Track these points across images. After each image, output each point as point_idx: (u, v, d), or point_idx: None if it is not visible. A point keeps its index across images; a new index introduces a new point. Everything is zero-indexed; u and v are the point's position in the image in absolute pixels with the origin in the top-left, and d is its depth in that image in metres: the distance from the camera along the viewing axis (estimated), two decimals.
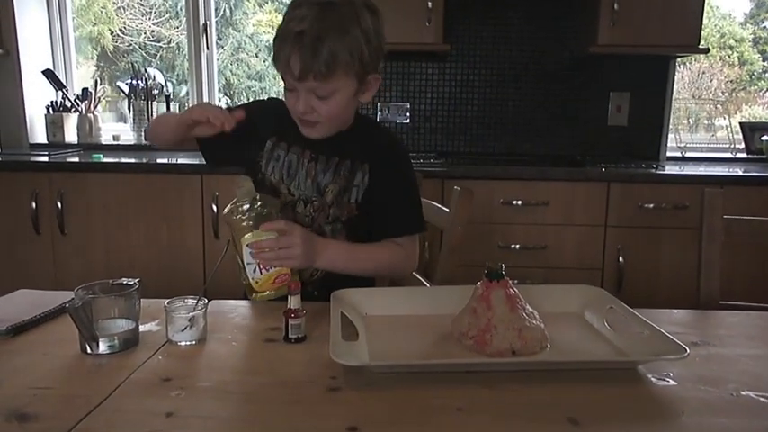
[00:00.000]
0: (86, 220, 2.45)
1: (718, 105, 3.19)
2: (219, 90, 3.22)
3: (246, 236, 1.02)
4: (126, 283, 0.93)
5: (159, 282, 2.39)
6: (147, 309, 0.99)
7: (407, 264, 1.25)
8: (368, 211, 1.24)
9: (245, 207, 1.03)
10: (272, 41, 1.13)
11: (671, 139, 2.94)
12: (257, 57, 3.46)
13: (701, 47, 2.51)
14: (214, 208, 2.38)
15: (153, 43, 3.32)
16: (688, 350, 0.80)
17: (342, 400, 0.75)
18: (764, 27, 3.23)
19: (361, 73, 1.12)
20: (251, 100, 1.35)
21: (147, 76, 3.03)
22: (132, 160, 2.55)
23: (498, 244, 2.37)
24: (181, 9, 3.20)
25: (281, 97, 1.23)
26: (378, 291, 1.09)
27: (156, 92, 3.03)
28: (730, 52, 3.26)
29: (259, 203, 1.04)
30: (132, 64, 3.19)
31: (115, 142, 3.10)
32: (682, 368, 0.84)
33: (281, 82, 1.18)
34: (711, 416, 0.72)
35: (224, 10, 3.32)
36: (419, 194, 1.30)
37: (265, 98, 1.37)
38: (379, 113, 2.95)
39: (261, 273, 1.02)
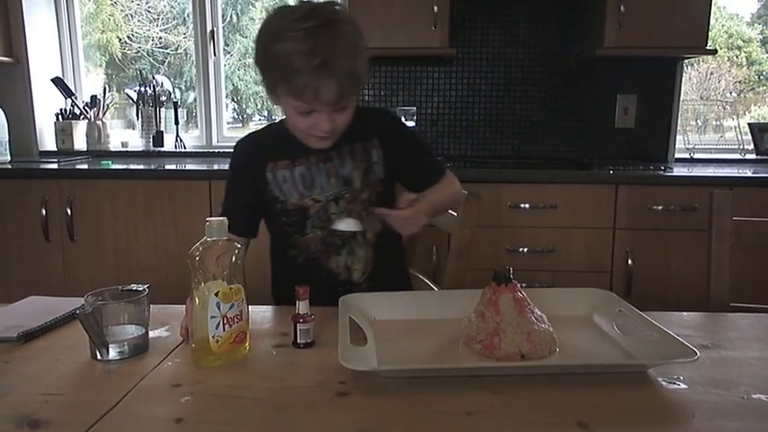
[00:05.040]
0: (96, 226, 2.47)
1: (727, 106, 3.17)
2: (227, 96, 3.23)
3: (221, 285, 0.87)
4: (135, 290, 0.93)
5: (168, 288, 2.39)
6: (156, 315, 1.00)
7: (460, 189, 1.40)
8: (392, 184, 1.33)
9: (216, 249, 0.87)
10: (274, 72, 1.12)
11: (679, 141, 2.92)
12: None
13: (708, 48, 2.49)
14: None
15: (161, 50, 3.34)
16: (698, 353, 0.80)
17: (351, 405, 0.75)
18: None
19: None
20: (226, 179, 1.36)
21: (155, 82, 3.06)
22: (141, 167, 2.56)
23: (506, 247, 2.37)
24: (188, 16, 3.22)
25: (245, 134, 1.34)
26: (386, 295, 1.09)
27: (163, 98, 3.05)
28: (738, 53, 3.24)
29: (235, 247, 0.89)
30: (140, 71, 3.21)
31: (124, 149, 3.13)
32: (692, 371, 0.84)
33: None
34: (722, 419, 0.71)
35: (231, 16, 3.33)
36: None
37: (232, 153, 1.35)
38: None
39: (224, 329, 0.87)
